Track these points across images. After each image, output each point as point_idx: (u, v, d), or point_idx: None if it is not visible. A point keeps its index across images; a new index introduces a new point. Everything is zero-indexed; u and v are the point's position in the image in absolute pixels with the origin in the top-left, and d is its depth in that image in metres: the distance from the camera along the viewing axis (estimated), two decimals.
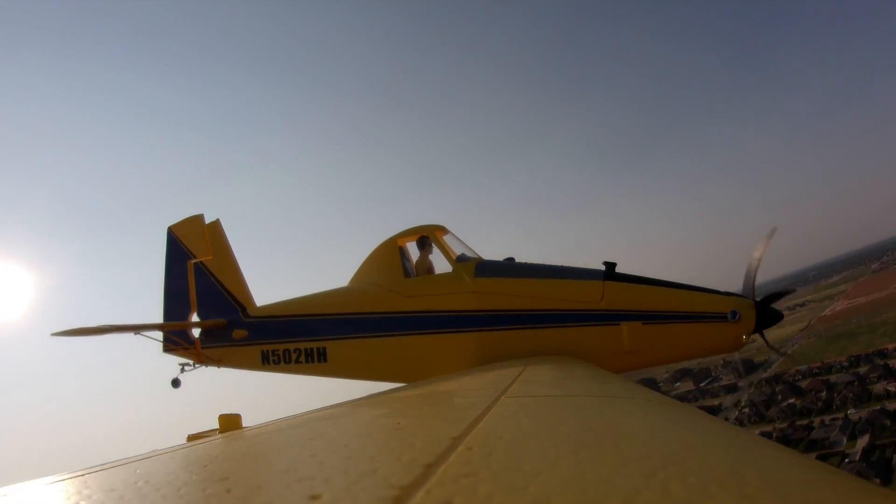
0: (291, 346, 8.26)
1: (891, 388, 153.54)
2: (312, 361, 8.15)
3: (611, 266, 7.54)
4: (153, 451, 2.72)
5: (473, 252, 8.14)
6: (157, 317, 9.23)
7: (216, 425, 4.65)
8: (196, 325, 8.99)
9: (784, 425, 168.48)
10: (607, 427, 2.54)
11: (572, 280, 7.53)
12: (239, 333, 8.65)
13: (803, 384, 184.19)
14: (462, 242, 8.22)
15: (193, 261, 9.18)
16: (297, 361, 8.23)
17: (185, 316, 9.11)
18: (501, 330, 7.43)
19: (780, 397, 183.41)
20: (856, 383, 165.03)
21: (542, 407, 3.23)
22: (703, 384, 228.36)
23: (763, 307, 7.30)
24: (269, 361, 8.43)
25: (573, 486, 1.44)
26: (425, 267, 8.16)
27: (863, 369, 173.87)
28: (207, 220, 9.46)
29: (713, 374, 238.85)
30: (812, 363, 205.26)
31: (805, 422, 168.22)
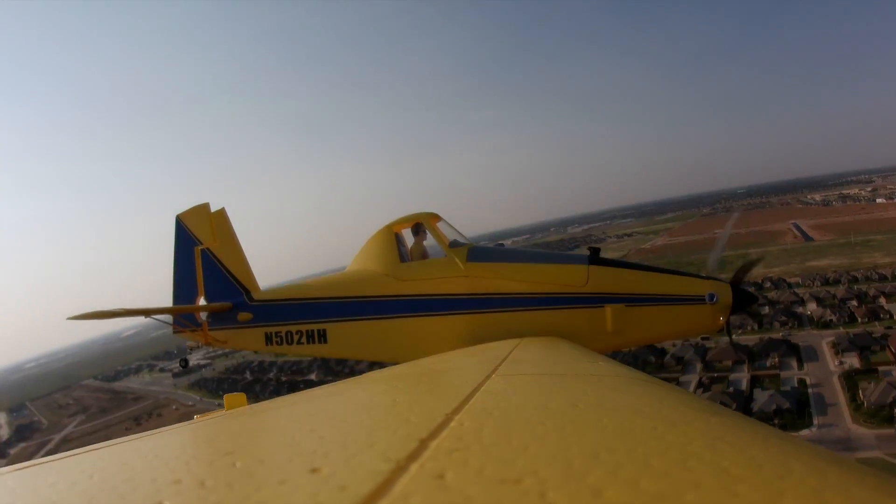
0: (293, 328, 8.59)
1: None
2: (313, 342, 8.51)
3: (595, 251, 7.95)
4: (163, 427, 2.90)
5: (465, 238, 8.42)
6: (167, 301, 9.70)
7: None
8: (203, 308, 9.25)
9: None
10: (592, 404, 2.72)
11: (559, 265, 7.94)
12: (244, 316, 8.99)
13: None
14: (454, 229, 8.47)
15: (200, 247, 9.43)
16: (298, 342, 8.60)
17: (193, 300, 9.43)
18: (492, 312, 7.77)
19: None
20: None
21: (531, 385, 3.46)
22: None
23: (739, 290, 7.67)
24: (273, 342, 8.77)
25: (560, 459, 1.55)
26: (420, 252, 8.46)
27: None
28: (213, 209, 9.82)
29: None
30: None
31: None
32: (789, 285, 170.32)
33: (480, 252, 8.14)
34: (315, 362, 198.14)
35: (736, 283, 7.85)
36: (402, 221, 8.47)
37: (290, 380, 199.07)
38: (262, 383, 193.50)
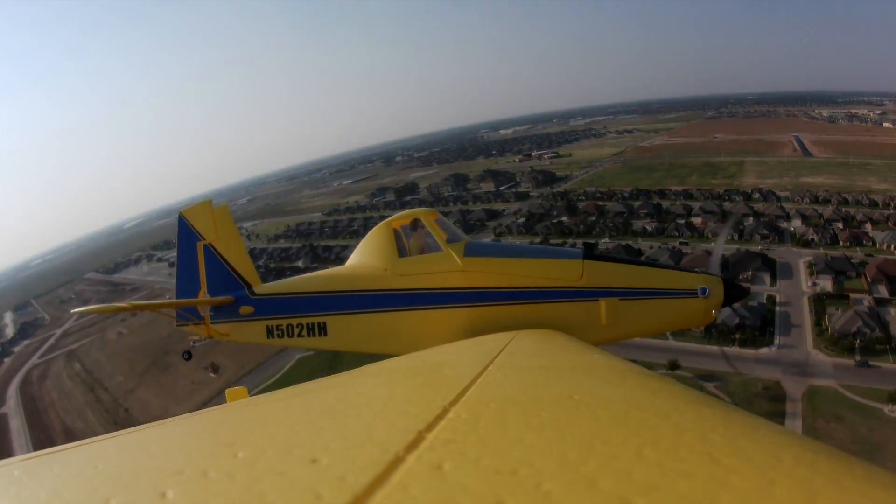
0: (294, 321, 8.68)
1: (649, 226, 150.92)
2: (314, 335, 8.59)
3: (590, 247, 8.55)
4: (165, 419, 2.85)
5: (462, 235, 8.52)
6: (171, 295, 10.26)
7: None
8: (206, 302, 9.29)
9: (538, 241, 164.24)
10: (587, 396, 2.67)
11: (554, 259, 8.01)
12: (246, 310, 9.04)
13: (581, 205, 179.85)
14: (451, 225, 8.57)
15: (202, 242, 9.50)
16: (299, 335, 8.67)
17: (195, 294, 9.46)
18: (489, 305, 7.82)
19: (555, 213, 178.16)
20: (624, 215, 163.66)
21: (526, 377, 3.51)
22: (503, 187, 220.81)
23: (730, 284, 7.82)
24: (274, 335, 8.84)
25: (555, 450, 1.58)
26: (418, 248, 8.42)
27: (637, 203, 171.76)
28: (215, 206, 9.96)
29: (517, 179, 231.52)
30: (600, 187, 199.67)
31: (559, 242, 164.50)
32: (778, 199, 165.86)
33: (477, 247, 8.25)
34: (303, 249, 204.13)
35: (728, 278, 7.94)
36: (400, 218, 8.58)
37: (279, 266, 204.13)
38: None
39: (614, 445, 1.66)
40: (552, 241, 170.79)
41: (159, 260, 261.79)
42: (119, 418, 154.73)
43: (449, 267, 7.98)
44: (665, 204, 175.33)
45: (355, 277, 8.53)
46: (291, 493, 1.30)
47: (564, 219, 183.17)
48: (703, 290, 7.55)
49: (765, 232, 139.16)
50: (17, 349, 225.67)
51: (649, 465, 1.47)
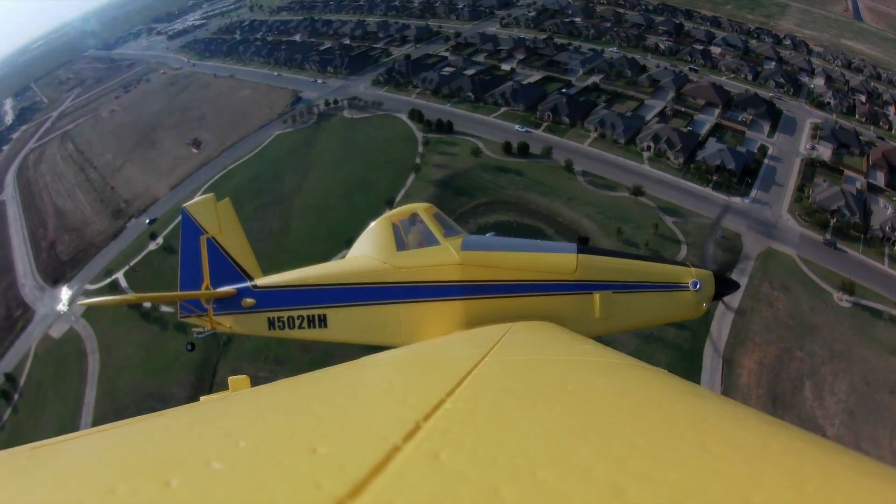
0: (295, 314, 8.71)
1: (663, 44, 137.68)
2: (314, 327, 8.59)
3: (584, 240, 8.09)
4: (168, 409, 2.86)
5: (459, 229, 8.50)
6: (174, 287, 9.96)
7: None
8: (208, 294, 9.37)
9: (543, 37, 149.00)
10: (581, 386, 2.78)
11: (549, 254, 7.84)
12: (247, 302, 9.09)
13: (600, 8, 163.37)
14: (449, 220, 8.54)
15: (205, 236, 9.63)
16: (300, 327, 8.68)
17: (198, 286, 9.56)
18: (485, 298, 7.82)
19: (569, 11, 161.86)
20: (641, 28, 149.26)
21: (522, 368, 3.53)
22: None
23: (722, 278, 7.85)
24: (275, 327, 8.88)
25: (549, 439, 1.61)
26: (416, 241, 8.43)
27: (659, 18, 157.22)
28: (218, 201, 10.08)
29: None
30: None
31: (564, 42, 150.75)
32: (809, 51, 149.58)
33: (474, 241, 8.15)
34: (303, 23, 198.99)
35: (719, 271, 8.00)
36: (399, 213, 8.57)
37: (276, 40, 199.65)
38: (248, 44, 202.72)
39: (608, 435, 1.68)
40: (558, 40, 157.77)
41: (159, 33, 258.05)
42: (105, 196, 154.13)
43: (446, 260, 7.95)
44: (688, 26, 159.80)
45: (355, 271, 8.39)
46: (292, 482, 1.32)
47: (578, 19, 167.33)
48: (695, 284, 7.65)
49: (781, 80, 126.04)
50: (15, 135, 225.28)
51: (642, 453, 1.49)
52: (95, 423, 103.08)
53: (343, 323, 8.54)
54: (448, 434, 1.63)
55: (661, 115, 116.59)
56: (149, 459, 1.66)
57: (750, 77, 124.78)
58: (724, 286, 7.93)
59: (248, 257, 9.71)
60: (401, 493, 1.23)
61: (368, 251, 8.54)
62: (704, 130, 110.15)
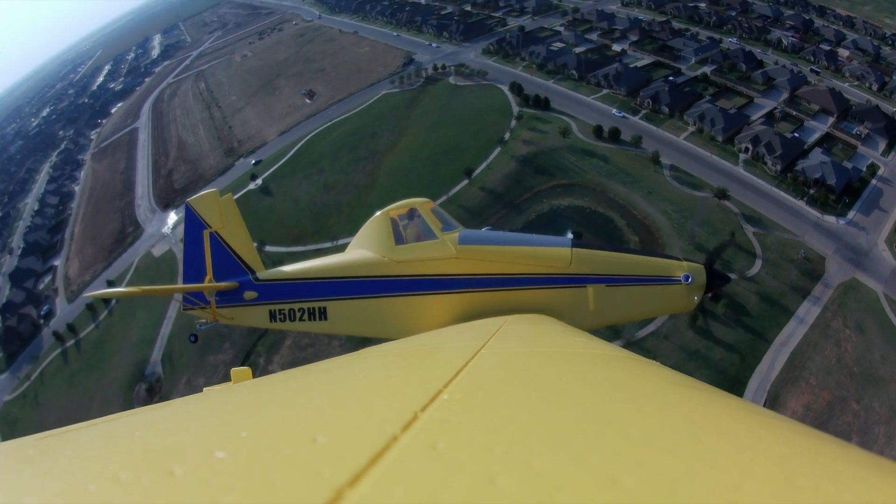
0: (296, 306, 8.86)
1: (787, 40, 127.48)
2: (314, 319, 8.78)
3: (578, 235, 8.45)
4: (172, 400, 2.91)
5: (456, 224, 8.55)
6: (178, 280, 10.35)
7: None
8: (211, 287, 9.35)
9: (661, 19, 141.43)
10: (575, 378, 2.79)
11: (544, 247, 7.99)
12: (249, 294, 9.20)
13: None
14: (446, 215, 8.66)
15: (209, 230, 9.66)
16: (300, 319, 8.85)
17: (202, 279, 9.59)
18: (481, 291, 7.99)
19: None
20: (768, 20, 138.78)
21: (517, 360, 3.55)
22: None
23: (713, 272, 7.91)
24: (276, 319, 9.00)
25: (545, 430, 1.64)
26: (414, 236, 8.52)
27: (788, 12, 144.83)
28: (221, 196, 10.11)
29: None
30: None
31: (682, 28, 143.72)
32: None
33: (471, 236, 8.30)
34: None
35: (710, 265, 8.06)
36: (397, 207, 8.68)
37: (400, 0, 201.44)
38: (375, 2, 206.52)
39: (601, 425, 1.70)
40: (676, 24, 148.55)
41: None
42: (223, 134, 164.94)
43: (444, 254, 8.08)
44: (818, 23, 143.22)
45: (354, 264, 8.61)
46: (293, 471, 1.33)
47: (702, 4, 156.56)
48: (687, 278, 7.66)
49: None
50: (158, 69, 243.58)
51: (635, 443, 1.51)
52: (171, 337, 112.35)
53: (343, 315, 8.71)
54: (445, 424, 1.64)
55: (768, 117, 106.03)
56: (153, 449, 1.68)
57: (875, 87, 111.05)
58: (715, 279, 7.96)
59: (250, 251, 9.79)
60: (399, 482, 1.23)
61: (368, 245, 8.68)
62: (812, 139, 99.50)
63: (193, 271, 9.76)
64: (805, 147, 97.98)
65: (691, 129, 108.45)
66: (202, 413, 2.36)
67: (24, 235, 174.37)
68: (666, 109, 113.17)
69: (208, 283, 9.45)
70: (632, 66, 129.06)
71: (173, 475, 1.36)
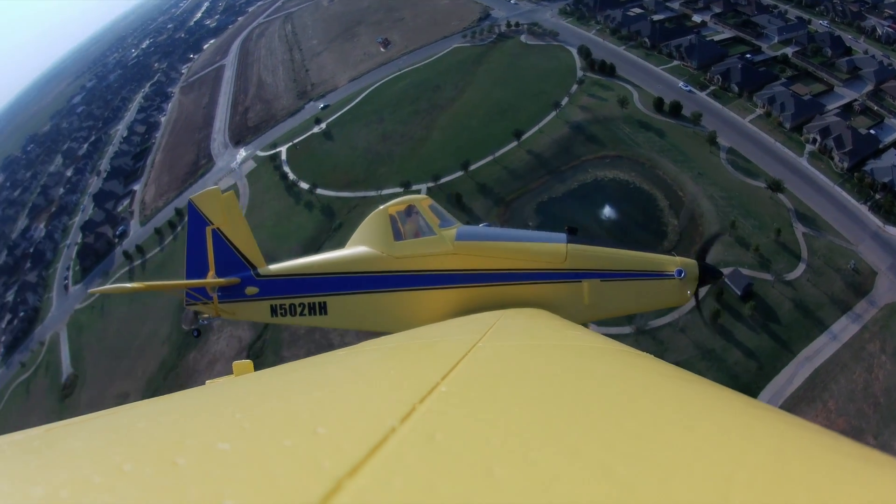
0: (296, 301, 8.95)
1: (882, 29, 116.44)
2: (315, 314, 8.85)
3: (573, 230, 8.25)
4: (175, 392, 2.92)
5: (454, 220, 8.61)
6: (181, 276, 10.18)
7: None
8: (214, 282, 9.41)
9: None
10: (570, 370, 2.82)
11: (540, 243, 8.05)
12: (251, 290, 9.27)
13: None
14: (444, 211, 8.66)
15: (211, 227, 9.61)
16: (301, 314, 8.94)
17: (204, 275, 9.59)
18: (478, 286, 8.06)
19: None
20: (864, 5, 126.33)
21: (514, 353, 3.59)
22: None
23: (705, 267, 8.00)
24: (277, 314, 9.08)
25: (539, 421, 1.65)
26: (413, 232, 8.57)
27: None
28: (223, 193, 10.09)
29: None
30: None
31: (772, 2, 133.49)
32: None
33: (468, 232, 8.38)
34: None
35: (702, 260, 8.12)
36: (396, 204, 8.67)
37: None
38: None
39: (596, 416, 1.71)
40: (763, 0, 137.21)
41: None
42: (299, 77, 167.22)
43: (441, 250, 8.16)
44: None
45: (354, 260, 8.68)
46: (294, 462, 1.33)
47: None
48: (679, 272, 7.70)
49: None
50: (251, 9, 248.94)
51: (629, 434, 1.52)
52: None
53: (342, 310, 8.79)
54: (443, 416, 1.65)
55: (846, 109, 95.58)
56: (156, 440, 1.69)
57: None
58: (707, 275, 8.04)
59: (251, 247, 9.80)
60: (398, 473, 1.24)
61: (367, 241, 8.73)
62: (889, 139, 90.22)
63: (196, 267, 9.80)
64: (880, 146, 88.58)
65: (759, 111, 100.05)
66: (204, 405, 2.39)
67: (111, 160, 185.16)
68: (735, 88, 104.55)
69: (211, 279, 9.51)
70: (708, 39, 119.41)
71: (176, 466, 1.35)
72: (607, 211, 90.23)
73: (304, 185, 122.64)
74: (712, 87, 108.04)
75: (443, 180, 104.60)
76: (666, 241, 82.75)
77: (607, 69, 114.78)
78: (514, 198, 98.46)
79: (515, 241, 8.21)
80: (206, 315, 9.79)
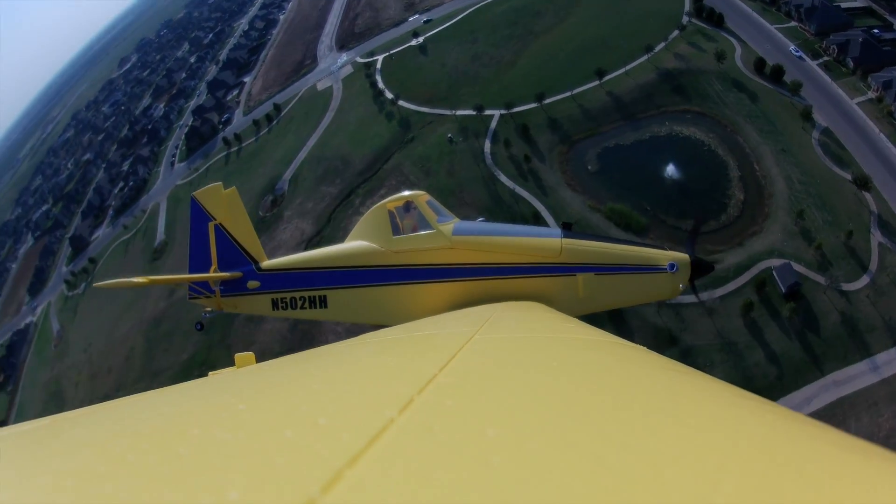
0: (297, 295, 9.06)
1: None
2: (315, 307, 8.96)
3: (568, 225, 8.44)
4: (178, 384, 2.93)
5: (451, 215, 8.64)
6: (184, 271, 10.04)
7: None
8: (216, 277, 9.48)
9: None
10: (565, 362, 2.81)
11: (536, 238, 8.18)
12: (253, 284, 9.39)
13: None
14: (441, 206, 8.72)
15: (213, 222, 9.76)
16: (301, 307, 9.03)
17: (207, 269, 9.67)
18: (475, 280, 8.15)
19: None
20: None
21: (510, 345, 3.58)
22: None
23: (696, 261, 8.07)
24: (278, 307, 9.18)
25: (536, 412, 1.67)
26: (411, 227, 8.64)
27: None
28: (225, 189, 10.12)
29: None
30: None
31: None
32: None
33: (465, 227, 8.39)
34: None
35: (694, 255, 8.12)
36: (394, 200, 8.70)
37: None
38: None
39: (589, 407, 1.74)
40: None
41: None
42: None
43: (439, 245, 8.20)
44: None
45: (353, 254, 8.74)
46: (294, 453, 1.34)
47: None
48: (672, 266, 7.79)
49: None
50: None
51: (621, 425, 1.54)
52: (304, 162, 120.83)
53: (342, 303, 8.85)
54: (440, 407, 1.67)
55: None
56: (159, 431, 1.70)
57: None
58: (699, 269, 8.14)
59: (253, 242, 9.84)
60: (397, 463, 1.25)
61: (366, 236, 8.80)
62: None
63: (199, 262, 9.86)
64: None
65: (871, 94, 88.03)
66: (207, 396, 2.41)
67: (229, 51, 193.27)
68: (851, 63, 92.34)
69: (213, 274, 9.58)
70: (835, 3, 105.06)
71: (179, 456, 1.37)
72: (670, 170, 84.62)
73: (389, 96, 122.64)
74: (825, 58, 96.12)
75: (515, 109, 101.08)
76: (724, 216, 76.82)
77: (715, 18, 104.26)
78: (581, 138, 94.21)
79: (511, 236, 8.24)
80: (209, 308, 9.71)
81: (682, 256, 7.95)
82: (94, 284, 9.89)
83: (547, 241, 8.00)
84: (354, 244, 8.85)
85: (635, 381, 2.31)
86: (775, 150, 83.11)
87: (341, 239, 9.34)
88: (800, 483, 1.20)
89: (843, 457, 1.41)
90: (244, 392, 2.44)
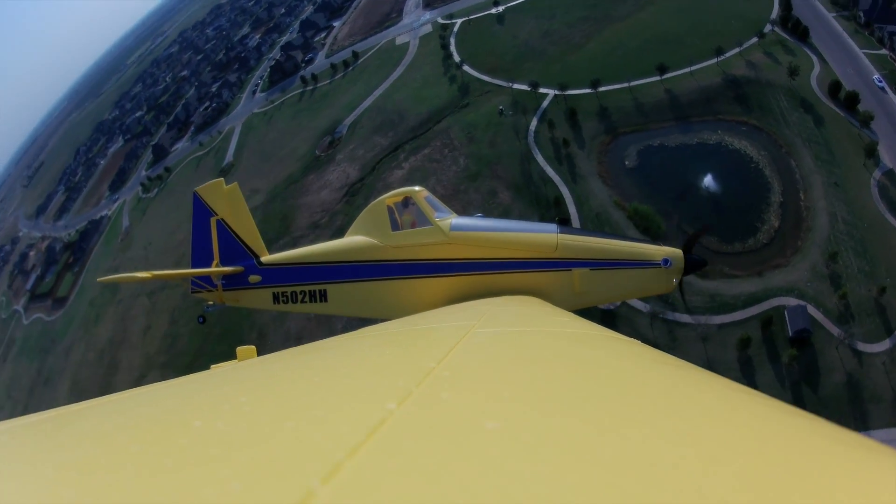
0: (298, 289, 9.10)
1: None
2: (315, 301, 9.02)
3: (563, 221, 7.00)
4: (179, 377, 2.94)
5: (449, 211, 8.63)
6: (186, 265, 10.12)
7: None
8: (218, 271, 9.53)
9: None
10: (560, 356, 2.85)
11: (532, 234, 8.10)
12: (254, 278, 9.40)
13: None
14: (440, 202, 8.72)
15: (215, 218, 9.78)
16: (302, 301, 9.08)
17: (209, 264, 9.71)
18: (473, 275, 8.13)
19: None
20: None
21: (506, 338, 3.57)
22: None
23: (690, 256, 7.98)
24: (279, 301, 9.25)
25: (532, 405, 1.68)
26: (409, 222, 8.62)
27: None
28: (227, 185, 10.12)
29: None
30: None
31: None
32: None
33: (463, 223, 8.35)
34: None
35: (688, 250, 8.05)
36: (393, 195, 8.68)
37: None
38: None
39: (584, 399, 1.75)
40: None
41: None
42: None
43: (437, 240, 8.24)
44: None
45: (353, 249, 8.78)
46: (296, 444, 1.34)
47: None
48: (666, 261, 7.78)
49: None
50: None
51: (616, 417, 1.55)
52: (367, 110, 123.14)
53: (342, 298, 8.86)
54: (439, 400, 1.68)
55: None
56: (162, 423, 1.70)
57: None
58: (692, 264, 8.09)
59: (254, 237, 9.81)
60: (395, 455, 1.25)
61: (365, 232, 8.78)
62: None
63: (201, 256, 9.89)
64: None
65: None
66: (208, 389, 2.42)
67: None
68: None
69: (215, 268, 9.63)
70: None
71: (181, 447, 1.38)
72: (709, 181, 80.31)
73: (456, 59, 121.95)
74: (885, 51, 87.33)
75: (569, 92, 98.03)
76: (752, 240, 72.20)
77: (800, 31, 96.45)
78: (626, 132, 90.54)
79: (508, 232, 8.26)
80: (210, 302, 9.74)
81: (676, 252, 7.91)
82: (98, 280, 9.97)
83: (543, 237, 7.97)
84: (354, 239, 8.81)
85: (631, 375, 2.31)
86: (827, 182, 76.55)
87: (351, 219, 9.36)
88: (793, 474, 1.19)
89: (836, 449, 1.41)
90: (245, 384, 2.46)
